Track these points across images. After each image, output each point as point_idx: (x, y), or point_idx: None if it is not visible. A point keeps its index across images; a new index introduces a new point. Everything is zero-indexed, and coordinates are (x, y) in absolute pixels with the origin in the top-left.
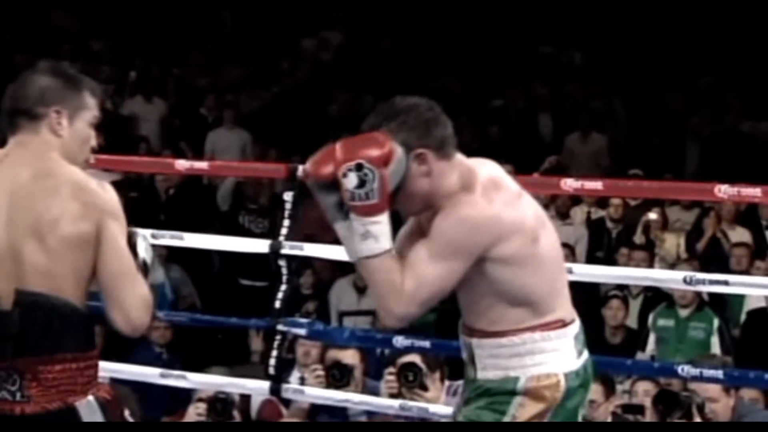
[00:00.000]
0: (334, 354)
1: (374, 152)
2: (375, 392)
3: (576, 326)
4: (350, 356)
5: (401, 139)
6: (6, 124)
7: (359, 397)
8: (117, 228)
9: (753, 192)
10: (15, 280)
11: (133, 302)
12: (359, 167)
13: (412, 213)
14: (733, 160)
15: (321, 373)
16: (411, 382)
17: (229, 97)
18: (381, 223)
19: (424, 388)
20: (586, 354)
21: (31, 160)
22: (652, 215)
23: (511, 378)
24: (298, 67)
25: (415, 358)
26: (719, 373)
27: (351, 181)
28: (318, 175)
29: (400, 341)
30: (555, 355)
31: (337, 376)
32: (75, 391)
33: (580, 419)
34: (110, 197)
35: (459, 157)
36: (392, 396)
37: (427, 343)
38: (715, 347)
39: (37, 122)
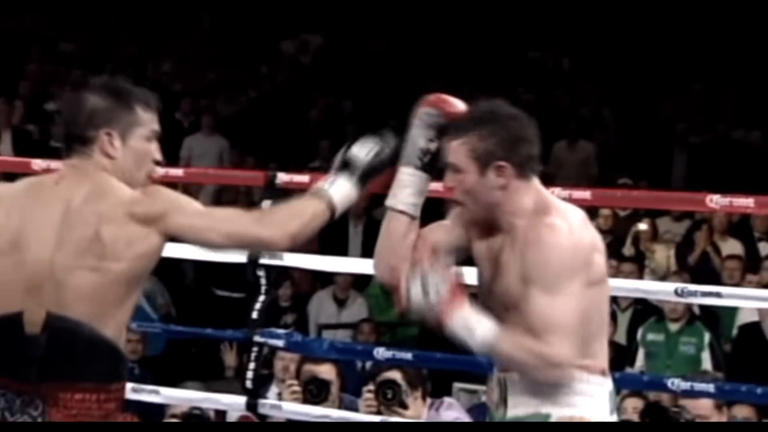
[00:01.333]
0: (310, 368)
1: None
2: (352, 408)
3: (611, 383)
4: (326, 371)
5: (487, 146)
6: (62, 147)
7: (338, 413)
8: (181, 218)
9: (745, 202)
10: (51, 304)
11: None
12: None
13: (471, 213)
14: (723, 169)
15: (297, 388)
16: (390, 399)
17: (204, 102)
18: (466, 313)
19: (404, 406)
20: (615, 417)
21: (83, 183)
22: (642, 226)
23: (541, 414)
24: (277, 71)
25: (395, 375)
26: (710, 387)
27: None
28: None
29: (381, 353)
30: (589, 400)
31: (315, 392)
32: None
33: None
34: (163, 197)
35: (537, 181)
36: (371, 414)
37: (409, 356)
38: (706, 363)
39: (89, 146)
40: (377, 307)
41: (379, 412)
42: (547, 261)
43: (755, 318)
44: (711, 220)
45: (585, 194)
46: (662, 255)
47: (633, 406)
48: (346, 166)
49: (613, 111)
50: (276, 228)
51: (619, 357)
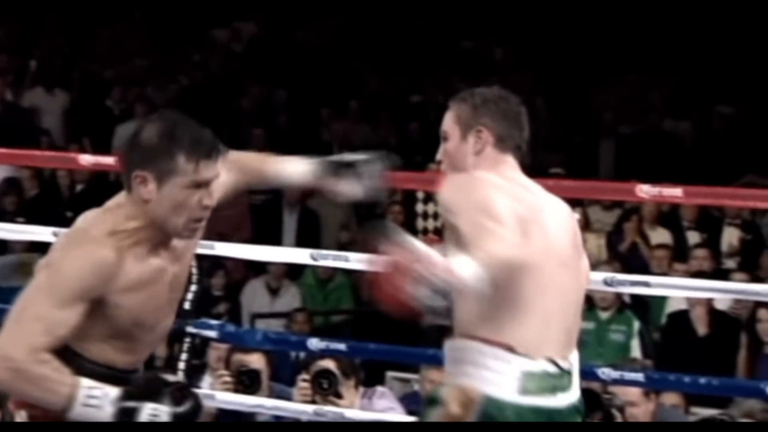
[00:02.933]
0: (239, 358)
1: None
2: (283, 397)
3: (535, 365)
4: (256, 360)
5: (472, 113)
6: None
7: (272, 402)
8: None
9: (674, 192)
10: None
11: None
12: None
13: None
14: (652, 159)
15: (228, 378)
16: (325, 389)
17: (135, 90)
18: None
19: (339, 396)
20: (551, 403)
21: (110, 215)
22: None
23: (447, 385)
24: (209, 59)
25: (329, 364)
26: (640, 376)
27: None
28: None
29: (314, 344)
30: (485, 373)
31: (247, 382)
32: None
33: None
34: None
35: (512, 161)
36: (306, 403)
37: (342, 346)
38: (636, 351)
39: (128, 183)
40: (310, 296)
41: (313, 402)
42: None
43: (683, 306)
44: (641, 210)
45: None
46: (593, 244)
47: None
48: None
49: (546, 101)
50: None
51: None
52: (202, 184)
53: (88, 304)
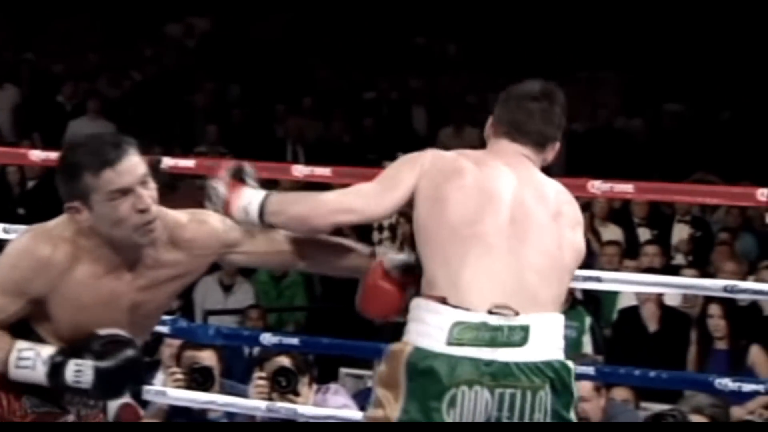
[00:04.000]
0: (191, 354)
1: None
2: (236, 394)
3: (471, 316)
4: (208, 357)
5: (497, 104)
6: None
7: (224, 398)
8: None
9: (625, 188)
10: None
11: None
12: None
13: None
14: (604, 156)
15: (180, 375)
16: (284, 387)
17: (85, 85)
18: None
19: (297, 394)
20: (490, 356)
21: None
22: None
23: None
24: (162, 54)
25: (285, 361)
26: (590, 370)
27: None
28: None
29: (267, 339)
30: (419, 325)
31: (200, 380)
32: None
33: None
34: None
35: (506, 143)
36: (263, 400)
37: (295, 341)
38: (587, 346)
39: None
40: (264, 292)
41: (270, 399)
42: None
43: (634, 302)
44: (592, 206)
45: None
46: None
47: None
48: None
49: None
50: None
51: None
52: (123, 191)
53: (28, 299)
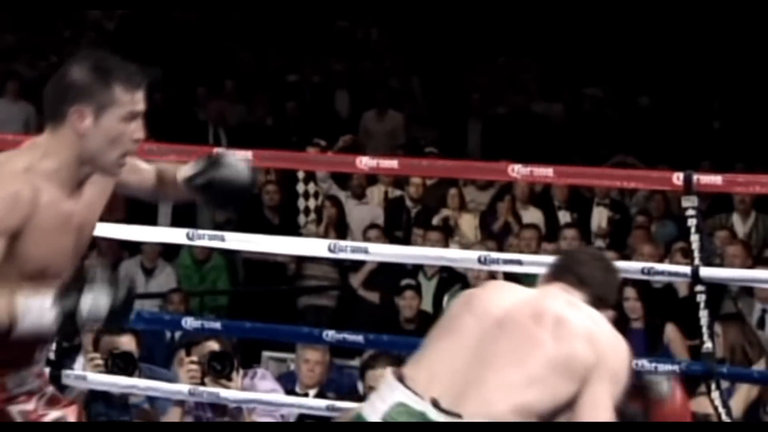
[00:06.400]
0: (109, 340)
1: None
2: (155, 377)
3: (417, 403)
4: (126, 342)
5: None
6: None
7: (145, 382)
8: None
9: (545, 172)
10: None
11: None
12: None
13: None
14: (523, 140)
15: (100, 361)
16: (219, 371)
17: (2, 66)
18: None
19: (230, 379)
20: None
21: (25, 154)
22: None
23: None
24: (80, 36)
25: (214, 345)
26: None
27: None
28: None
29: (189, 323)
30: (373, 395)
31: (121, 365)
32: None
33: None
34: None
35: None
36: (195, 384)
37: (217, 325)
38: None
39: (61, 121)
40: (186, 276)
41: (203, 383)
42: None
43: None
44: (513, 190)
45: (393, 163)
46: (468, 224)
47: None
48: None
49: (421, 81)
50: None
51: (426, 326)
52: (136, 116)
53: (7, 240)
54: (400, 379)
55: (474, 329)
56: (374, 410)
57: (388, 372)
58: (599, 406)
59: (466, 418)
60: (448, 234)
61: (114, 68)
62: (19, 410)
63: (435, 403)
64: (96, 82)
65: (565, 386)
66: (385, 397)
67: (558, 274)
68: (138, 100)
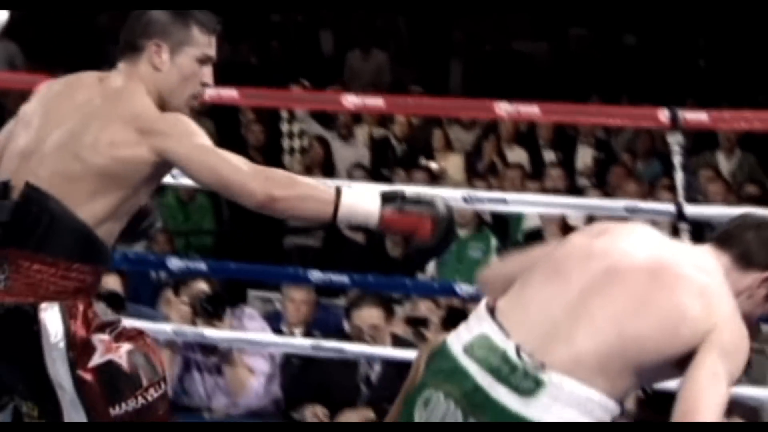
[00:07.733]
0: None
1: None
2: (143, 317)
3: (496, 335)
4: (113, 283)
5: None
6: (117, 54)
7: (130, 322)
8: (178, 144)
9: (531, 110)
10: (31, 175)
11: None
12: None
13: None
14: (506, 79)
15: None
16: (210, 312)
17: None
18: None
19: (221, 319)
20: (477, 378)
21: (116, 85)
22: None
23: None
24: None
25: (203, 285)
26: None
27: None
28: None
29: (174, 263)
30: (465, 323)
31: (108, 306)
32: (47, 296)
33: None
34: (175, 122)
35: None
36: (186, 324)
37: (203, 266)
38: None
39: (138, 54)
40: (171, 216)
41: (194, 323)
42: None
43: (538, 223)
44: (498, 128)
45: (378, 102)
46: (453, 163)
47: (427, 307)
48: (388, 197)
49: (406, 20)
50: (264, 184)
51: (411, 260)
52: (209, 60)
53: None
54: (492, 311)
55: (581, 279)
56: (458, 339)
57: (481, 303)
58: (708, 385)
59: (549, 369)
60: (432, 173)
61: (192, 11)
62: (99, 339)
63: (518, 349)
64: (176, 20)
65: (670, 342)
66: (472, 327)
67: (721, 241)
68: (212, 44)
